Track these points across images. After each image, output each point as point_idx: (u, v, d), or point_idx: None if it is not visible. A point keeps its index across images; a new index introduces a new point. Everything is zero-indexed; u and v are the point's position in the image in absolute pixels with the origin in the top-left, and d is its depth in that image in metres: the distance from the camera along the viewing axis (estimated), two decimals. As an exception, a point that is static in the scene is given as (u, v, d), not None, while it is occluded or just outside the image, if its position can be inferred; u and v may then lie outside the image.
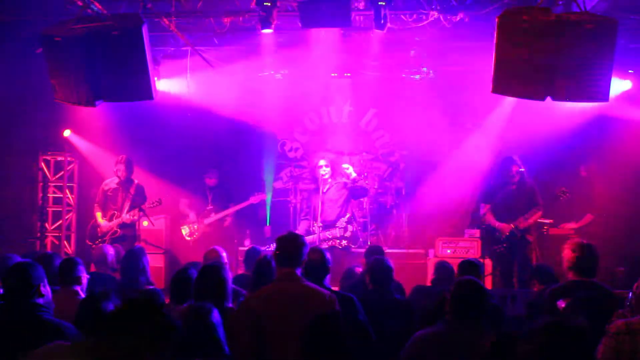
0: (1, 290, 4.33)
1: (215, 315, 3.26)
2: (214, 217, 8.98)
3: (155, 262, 6.08)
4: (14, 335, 3.29)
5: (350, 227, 7.73)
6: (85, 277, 4.75)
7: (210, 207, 9.07)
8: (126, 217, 8.24)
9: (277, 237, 4.10)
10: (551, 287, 4.61)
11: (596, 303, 4.14)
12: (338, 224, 7.74)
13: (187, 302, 4.23)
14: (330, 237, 7.64)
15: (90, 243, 8.39)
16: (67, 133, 9.88)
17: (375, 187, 9.89)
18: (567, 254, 4.47)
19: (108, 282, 5.43)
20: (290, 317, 3.61)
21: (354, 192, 8.13)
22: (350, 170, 8.11)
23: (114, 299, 3.59)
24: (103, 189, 8.52)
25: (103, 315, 3.45)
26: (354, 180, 8.11)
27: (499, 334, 3.08)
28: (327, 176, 7.86)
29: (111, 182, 8.48)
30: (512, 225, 7.55)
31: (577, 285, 4.35)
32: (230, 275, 4.20)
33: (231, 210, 8.98)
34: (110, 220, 8.33)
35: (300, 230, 8.00)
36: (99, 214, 8.45)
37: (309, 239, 7.58)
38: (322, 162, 7.99)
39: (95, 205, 8.55)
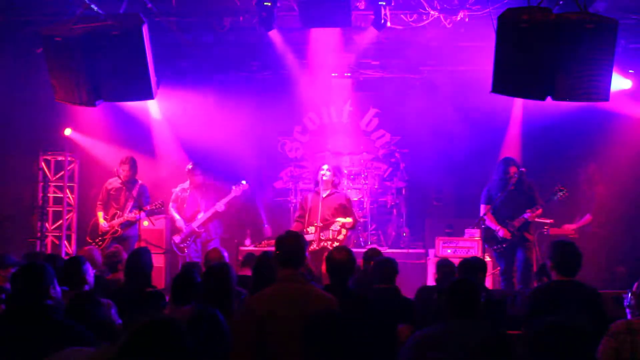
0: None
1: (222, 318, 3.25)
2: (202, 218, 8.72)
3: (155, 262, 6.08)
4: (25, 337, 3.28)
5: (344, 231, 7.69)
6: (92, 277, 4.73)
7: (198, 208, 8.76)
8: (130, 215, 8.21)
9: (277, 237, 4.08)
10: (534, 287, 4.63)
11: (578, 302, 4.14)
12: (332, 227, 7.71)
13: (189, 303, 4.23)
14: (323, 238, 7.62)
15: (90, 241, 8.37)
16: (68, 132, 9.87)
17: (376, 187, 9.89)
18: (549, 253, 4.49)
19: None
20: (291, 319, 3.60)
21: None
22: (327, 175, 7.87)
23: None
24: (106, 188, 8.48)
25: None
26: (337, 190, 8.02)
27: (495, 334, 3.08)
28: (327, 181, 7.82)
29: (115, 181, 8.45)
30: (511, 229, 7.55)
31: (559, 285, 4.35)
32: (235, 276, 4.20)
33: (218, 206, 8.70)
34: (112, 219, 8.29)
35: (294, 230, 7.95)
36: (100, 214, 8.42)
37: (306, 238, 7.57)
38: (325, 167, 7.95)
39: (98, 204, 8.52)
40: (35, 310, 3.38)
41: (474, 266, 5.47)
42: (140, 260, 5.23)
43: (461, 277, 5.02)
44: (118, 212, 8.29)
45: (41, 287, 3.44)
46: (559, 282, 4.37)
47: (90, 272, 4.74)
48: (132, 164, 8.37)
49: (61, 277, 4.45)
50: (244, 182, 8.67)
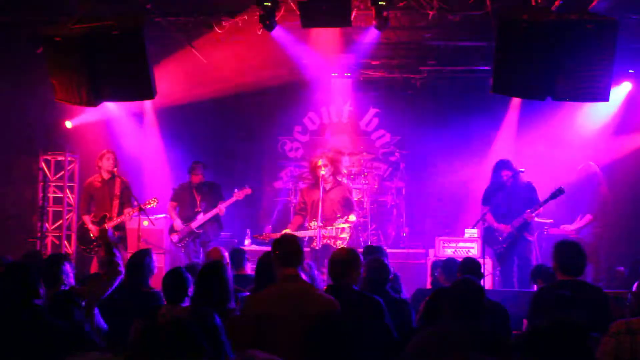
0: None
1: (217, 318, 3.25)
2: (202, 219, 8.52)
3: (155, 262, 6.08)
4: (16, 338, 3.27)
5: (347, 228, 7.65)
6: (71, 277, 4.69)
7: (198, 209, 8.63)
8: (124, 218, 8.06)
9: (275, 238, 4.10)
10: (540, 287, 4.62)
11: (583, 302, 4.14)
12: (335, 224, 7.67)
13: (183, 302, 4.24)
14: (326, 235, 7.57)
15: (83, 247, 8.20)
16: (69, 125, 9.82)
17: (376, 187, 9.88)
18: (554, 253, 4.49)
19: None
20: (290, 319, 3.60)
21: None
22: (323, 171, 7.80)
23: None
24: (87, 190, 8.23)
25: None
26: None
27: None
28: (327, 175, 7.74)
29: (95, 181, 8.20)
30: (510, 228, 7.55)
31: (564, 285, 4.35)
32: (231, 275, 4.19)
33: (219, 209, 8.59)
34: (101, 222, 8.04)
35: (293, 224, 7.91)
36: (87, 218, 8.16)
37: (307, 234, 7.54)
38: (320, 162, 7.85)
39: (82, 208, 8.28)
40: (26, 310, 3.37)
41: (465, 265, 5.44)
42: (143, 261, 5.19)
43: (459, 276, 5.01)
44: (107, 214, 8.05)
45: (33, 286, 3.43)
46: (564, 282, 4.37)
47: (70, 273, 4.71)
48: (115, 156, 8.21)
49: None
50: (247, 187, 8.59)
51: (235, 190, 8.52)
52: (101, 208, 8.10)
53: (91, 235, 8.11)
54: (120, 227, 8.11)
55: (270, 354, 2.59)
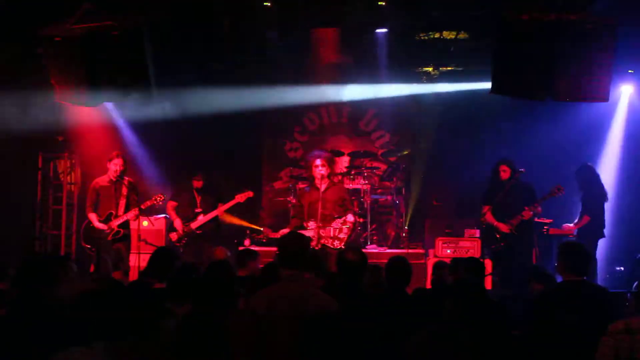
0: None
1: (220, 318, 3.25)
2: (202, 220, 8.54)
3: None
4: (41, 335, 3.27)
5: (345, 229, 7.64)
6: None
7: (198, 209, 8.64)
8: (130, 215, 8.05)
9: (280, 237, 4.09)
10: (545, 288, 4.63)
11: (587, 302, 4.15)
12: (333, 224, 7.66)
13: (188, 301, 4.22)
14: (323, 235, 7.56)
15: (88, 245, 8.19)
16: (68, 124, 9.79)
17: (375, 187, 9.88)
18: (558, 254, 4.49)
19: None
20: (290, 318, 3.60)
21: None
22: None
23: None
24: (94, 188, 8.19)
25: None
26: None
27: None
28: (324, 175, 7.74)
29: (102, 181, 8.17)
30: (510, 226, 7.54)
31: (568, 286, 4.35)
32: (235, 275, 4.20)
33: (219, 210, 8.60)
34: (107, 220, 8.03)
35: (291, 227, 7.91)
36: (92, 216, 8.10)
37: (305, 235, 7.53)
38: (318, 162, 7.85)
39: (88, 207, 8.21)
40: (49, 307, 3.39)
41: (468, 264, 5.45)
42: (164, 260, 5.11)
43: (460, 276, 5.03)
44: (112, 212, 8.02)
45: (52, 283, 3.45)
46: (569, 283, 4.37)
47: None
48: (125, 159, 8.23)
49: None
50: (249, 190, 8.60)
51: (237, 194, 8.54)
52: (107, 207, 8.10)
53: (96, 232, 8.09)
54: (126, 226, 8.12)
55: (271, 353, 2.60)
